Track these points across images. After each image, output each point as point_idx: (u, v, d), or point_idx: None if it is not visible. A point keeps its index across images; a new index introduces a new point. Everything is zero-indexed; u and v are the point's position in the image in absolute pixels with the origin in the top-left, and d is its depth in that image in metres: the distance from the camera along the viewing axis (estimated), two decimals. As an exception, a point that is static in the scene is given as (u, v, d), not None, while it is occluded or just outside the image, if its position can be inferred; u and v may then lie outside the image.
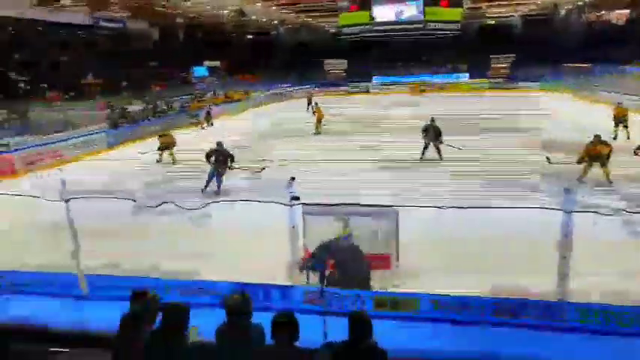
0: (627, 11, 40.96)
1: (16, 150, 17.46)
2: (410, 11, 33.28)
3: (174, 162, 17.29)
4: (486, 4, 42.93)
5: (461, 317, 5.88)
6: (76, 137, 20.18)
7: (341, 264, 6.70)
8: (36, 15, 26.62)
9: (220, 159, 12.99)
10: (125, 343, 3.43)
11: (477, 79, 44.67)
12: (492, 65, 46.20)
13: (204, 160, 13.13)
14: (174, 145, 17.71)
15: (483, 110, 24.13)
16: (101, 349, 3.74)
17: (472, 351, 5.19)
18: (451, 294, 5.91)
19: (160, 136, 18.45)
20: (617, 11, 41.42)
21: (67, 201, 6.42)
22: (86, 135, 20.79)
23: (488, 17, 48.51)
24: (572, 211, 5.30)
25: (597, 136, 12.58)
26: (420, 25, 33.50)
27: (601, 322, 5.49)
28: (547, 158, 13.11)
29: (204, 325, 3.65)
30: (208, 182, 12.89)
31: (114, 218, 9.10)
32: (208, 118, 27.54)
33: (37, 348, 3.96)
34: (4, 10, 24.88)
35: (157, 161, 17.44)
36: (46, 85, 24.92)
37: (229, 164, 13.15)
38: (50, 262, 7.24)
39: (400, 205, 7.12)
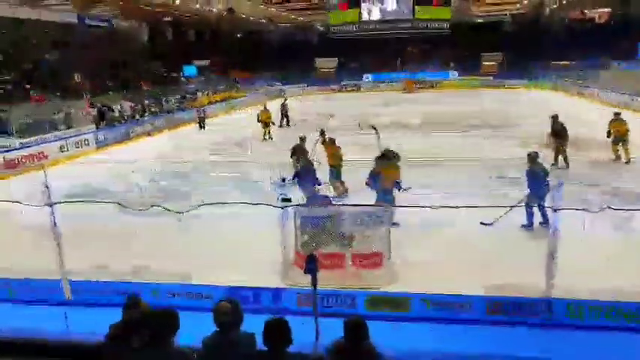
0: (608, 10, 41.54)
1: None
2: (399, 9, 33.38)
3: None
4: (476, 3, 43.18)
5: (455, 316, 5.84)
6: (61, 139, 19.75)
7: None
8: (20, 14, 26.22)
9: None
10: (114, 354, 3.25)
11: (467, 77, 44.76)
12: (483, 63, 46.45)
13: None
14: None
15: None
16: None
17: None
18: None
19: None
20: (599, 10, 41.97)
21: (50, 206, 6.22)
22: (72, 136, 20.29)
23: (478, 16, 48.86)
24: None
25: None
26: (409, 25, 33.77)
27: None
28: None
29: (195, 329, 3.46)
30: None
31: (100, 221, 8.87)
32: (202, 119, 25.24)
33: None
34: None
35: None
36: (29, 86, 24.43)
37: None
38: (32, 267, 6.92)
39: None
